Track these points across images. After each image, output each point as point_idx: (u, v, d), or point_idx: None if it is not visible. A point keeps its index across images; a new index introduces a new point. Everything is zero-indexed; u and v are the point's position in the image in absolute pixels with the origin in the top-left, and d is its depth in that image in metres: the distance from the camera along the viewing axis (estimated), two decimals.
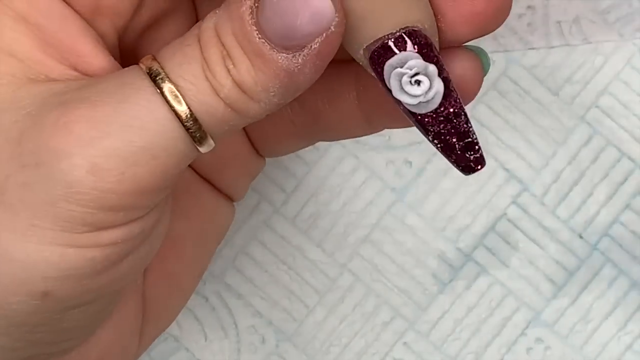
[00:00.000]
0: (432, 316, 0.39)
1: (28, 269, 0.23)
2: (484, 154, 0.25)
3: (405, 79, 0.24)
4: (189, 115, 0.23)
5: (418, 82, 0.24)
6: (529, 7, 0.39)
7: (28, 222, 0.23)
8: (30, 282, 0.23)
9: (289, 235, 0.39)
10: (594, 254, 0.39)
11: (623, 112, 0.39)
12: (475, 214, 0.39)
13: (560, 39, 0.39)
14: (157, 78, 0.23)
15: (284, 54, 0.23)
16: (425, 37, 0.24)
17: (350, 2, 0.23)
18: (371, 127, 0.29)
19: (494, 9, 0.25)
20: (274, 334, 0.39)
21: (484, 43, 0.29)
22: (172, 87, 0.23)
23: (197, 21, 0.28)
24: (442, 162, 0.39)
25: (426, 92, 0.24)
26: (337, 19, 0.23)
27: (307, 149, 0.35)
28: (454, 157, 0.25)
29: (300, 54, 0.23)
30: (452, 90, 0.24)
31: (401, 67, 0.24)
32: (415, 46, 0.24)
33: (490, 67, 0.28)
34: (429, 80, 0.24)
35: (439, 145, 0.24)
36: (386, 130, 0.32)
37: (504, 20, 0.25)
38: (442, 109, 0.24)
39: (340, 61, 0.26)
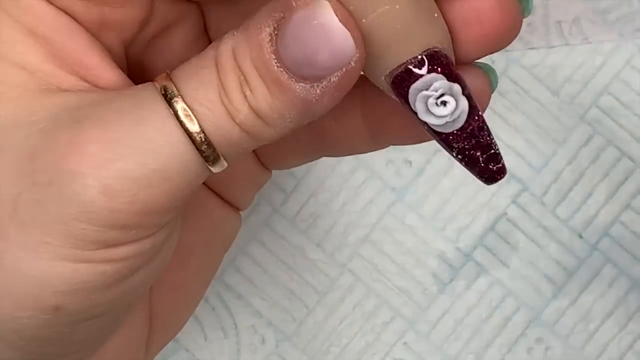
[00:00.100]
0: (432, 316, 0.39)
1: (39, 284, 0.23)
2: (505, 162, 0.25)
3: (431, 100, 0.24)
4: (203, 139, 0.23)
5: (444, 103, 0.24)
6: None
7: (40, 239, 0.23)
8: (41, 297, 0.23)
9: (288, 235, 0.39)
10: (594, 254, 0.39)
11: (623, 112, 0.39)
12: (475, 213, 0.39)
13: (560, 39, 0.39)
14: (173, 100, 0.23)
15: (302, 84, 0.23)
16: (446, 57, 0.24)
17: (372, 31, 0.23)
18: (377, 143, 0.29)
19: (504, 30, 0.25)
20: (274, 334, 0.39)
21: None
22: (188, 110, 0.23)
23: (205, 30, 0.28)
24: (442, 161, 0.39)
25: (452, 112, 0.24)
26: (357, 55, 0.23)
27: None
28: (477, 170, 0.25)
29: (318, 85, 0.23)
30: (474, 106, 0.24)
31: (426, 89, 0.24)
32: (438, 67, 0.24)
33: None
34: (455, 99, 0.24)
35: (463, 160, 0.25)
36: None
37: (514, 38, 0.25)
38: (467, 125, 0.24)
39: None
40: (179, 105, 0.23)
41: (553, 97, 0.39)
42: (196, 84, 0.23)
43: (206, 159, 0.24)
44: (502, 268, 0.39)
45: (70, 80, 0.25)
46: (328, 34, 0.22)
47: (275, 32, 0.23)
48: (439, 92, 0.24)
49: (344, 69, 0.23)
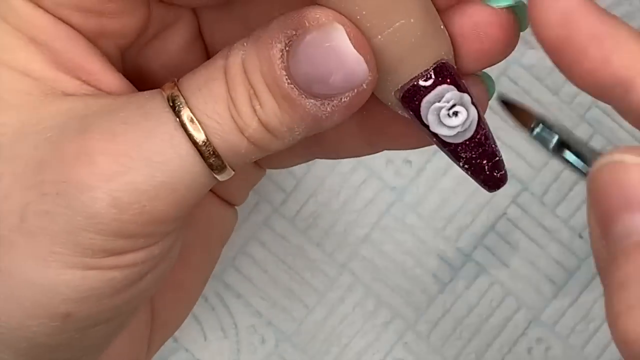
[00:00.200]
0: (432, 316, 0.39)
1: (48, 292, 0.23)
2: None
3: (443, 112, 0.24)
4: (211, 152, 0.23)
5: (455, 114, 0.24)
6: None
7: (48, 249, 0.23)
8: (50, 305, 0.24)
9: (288, 235, 0.39)
10: None
11: None
12: (475, 213, 0.39)
13: None
14: (181, 112, 0.23)
15: (313, 100, 0.23)
16: (453, 67, 0.24)
17: (385, 47, 0.23)
18: (372, 148, 0.29)
19: (502, 46, 0.25)
20: (274, 334, 0.39)
21: None
22: (196, 122, 0.23)
23: (199, 33, 0.28)
24: (441, 161, 0.39)
25: (464, 122, 0.24)
26: (370, 77, 0.23)
27: None
28: (482, 178, 0.25)
29: (329, 104, 0.23)
30: (481, 115, 0.24)
31: (438, 101, 0.24)
32: (448, 78, 0.24)
33: (490, 67, 0.28)
34: (466, 109, 0.24)
35: (469, 170, 0.25)
36: None
37: (511, 52, 0.25)
38: (475, 134, 0.24)
39: None
40: (187, 117, 0.23)
41: (553, 96, 0.39)
42: (205, 96, 0.23)
43: (213, 168, 0.24)
44: (502, 268, 0.39)
45: (74, 84, 0.25)
46: (342, 57, 0.22)
47: (287, 48, 0.23)
48: (451, 103, 0.24)
49: (355, 90, 0.23)
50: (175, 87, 0.24)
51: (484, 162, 0.25)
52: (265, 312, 0.39)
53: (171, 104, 0.23)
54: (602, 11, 0.22)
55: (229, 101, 0.23)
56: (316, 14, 0.23)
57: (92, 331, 0.25)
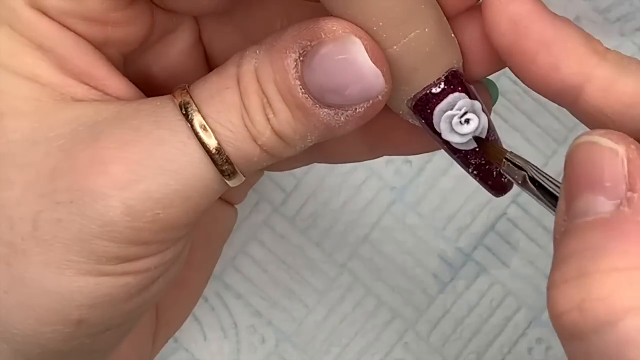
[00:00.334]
0: (432, 316, 0.38)
1: (62, 299, 0.24)
2: None
3: (455, 120, 0.24)
4: (224, 160, 0.23)
5: (467, 121, 0.24)
6: None
7: (62, 257, 0.23)
8: (64, 311, 0.24)
9: (288, 235, 0.39)
10: None
11: None
12: (475, 213, 0.39)
13: None
14: (193, 120, 0.23)
15: (327, 110, 0.23)
16: (463, 75, 0.24)
17: (401, 57, 0.23)
18: (373, 154, 0.29)
19: None
20: (274, 334, 0.39)
21: None
22: (209, 130, 0.23)
23: (200, 37, 0.28)
24: (441, 161, 0.39)
25: (475, 129, 0.24)
26: (386, 90, 0.23)
27: None
28: (490, 183, 0.25)
29: (343, 114, 0.23)
30: (491, 123, 0.25)
31: (451, 109, 0.24)
32: (459, 86, 0.24)
33: None
34: (477, 116, 0.24)
35: (478, 175, 0.25)
36: None
37: None
38: (485, 140, 0.24)
39: None
40: (199, 125, 0.23)
41: None
42: (218, 104, 0.23)
43: (225, 175, 0.24)
44: (502, 268, 0.39)
45: (82, 89, 0.25)
46: (359, 71, 0.22)
47: (301, 58, 0.23)
48: (463, 111, 0.24)
49: (370, 102, 0.23)
50: (187, 94, 0.24)
51: (493, 167, 0.25)
52: (265, 312, 0.39)
53: (183, 112, 0.23)
54: (554, 16, 0.22)
55: (242, 110, 0.23)
56: (333, 26, 0.23)
57: (103, 336, 0.25)
